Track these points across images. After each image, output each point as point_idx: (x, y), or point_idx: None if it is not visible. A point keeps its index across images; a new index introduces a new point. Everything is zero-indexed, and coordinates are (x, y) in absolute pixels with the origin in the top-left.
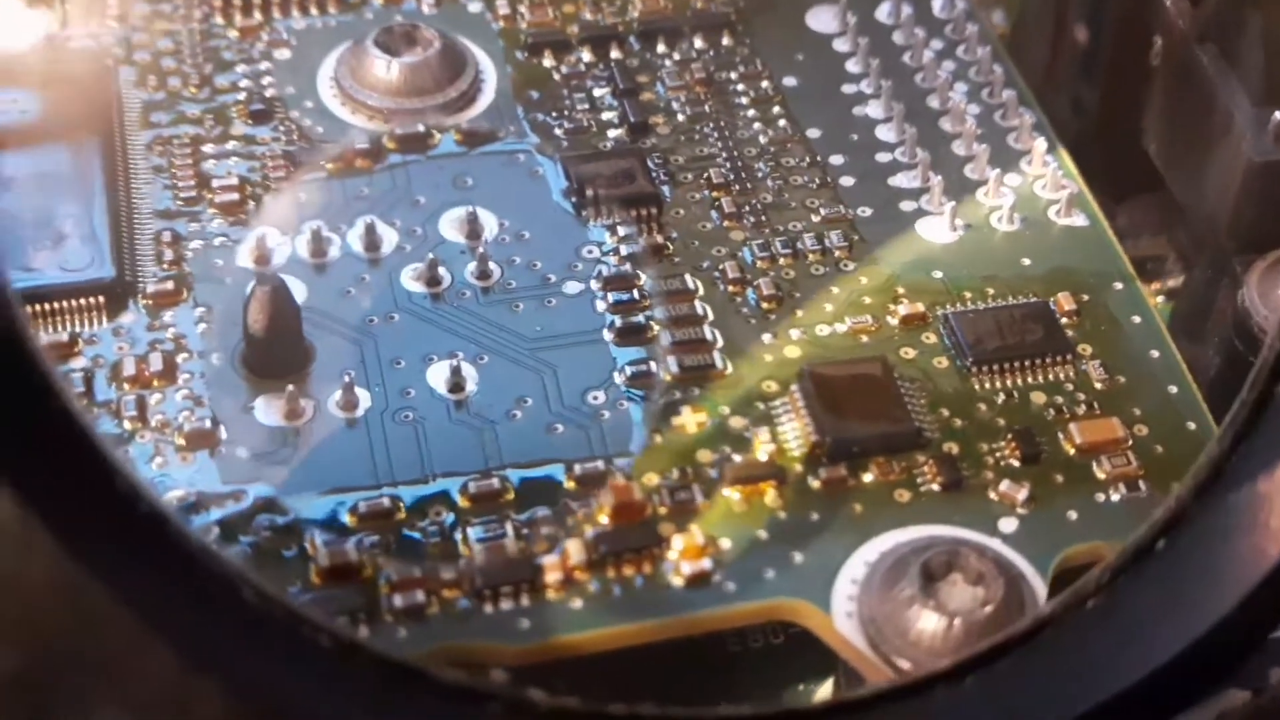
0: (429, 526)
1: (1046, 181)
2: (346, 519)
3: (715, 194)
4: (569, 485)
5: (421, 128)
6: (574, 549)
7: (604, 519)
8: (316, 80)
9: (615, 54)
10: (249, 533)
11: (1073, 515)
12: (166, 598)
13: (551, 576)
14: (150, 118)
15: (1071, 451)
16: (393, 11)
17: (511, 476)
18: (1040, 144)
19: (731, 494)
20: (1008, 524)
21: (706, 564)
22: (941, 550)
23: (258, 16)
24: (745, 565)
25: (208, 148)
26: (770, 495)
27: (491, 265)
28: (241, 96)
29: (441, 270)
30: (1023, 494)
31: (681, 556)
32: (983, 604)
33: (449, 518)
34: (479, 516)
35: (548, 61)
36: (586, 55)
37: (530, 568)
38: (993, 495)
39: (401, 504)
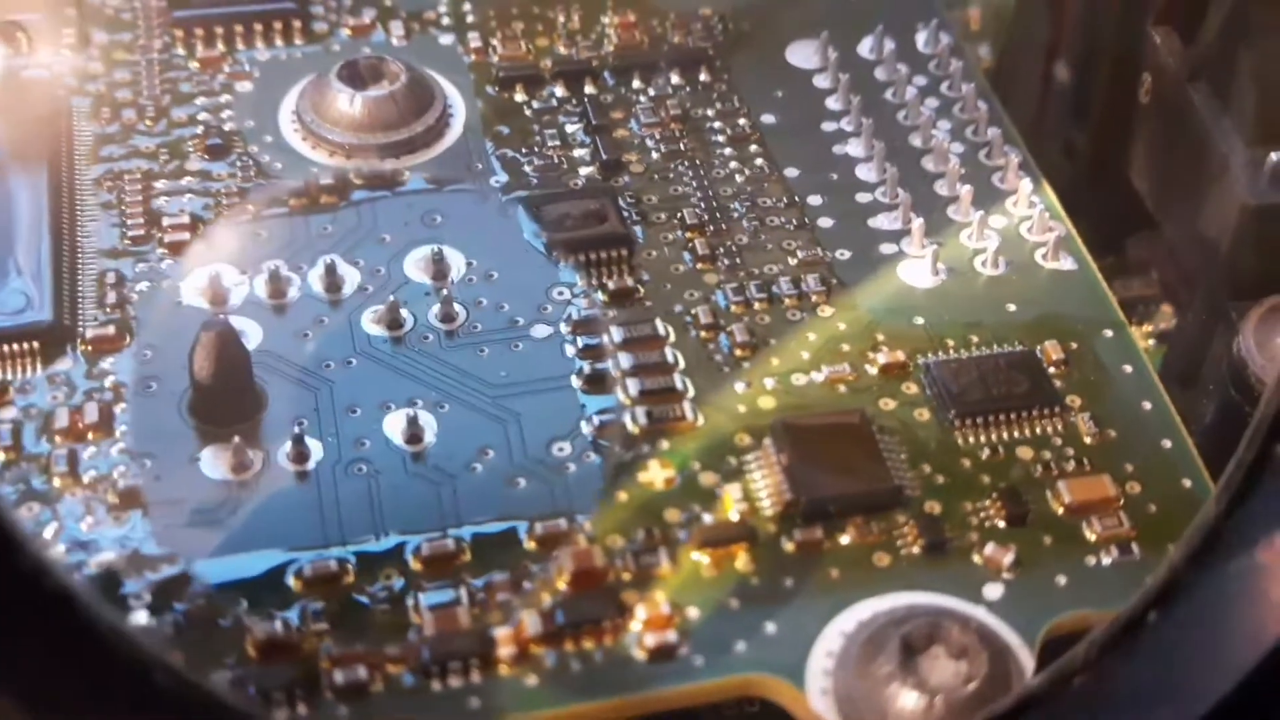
0: (379, 592)
1: (1033, 223)
2: (291, 583)
3: (689, 235)
4: (529, 545)
5: (386, 167)
6: (530, 620)
7: (563, 585)
8: (278, 114)
9: (589, 89)
10: (183, 599)
11: (1062, 580)
12: (58, 689)
13: (505, 650)
14: (101, 151)
15: (1060, 511)
16: (361, 43)
17: (468, 535)
18: (1026, 184)
19: (700, 557)
20: (993, 590)
21: (672, 636)
22: (923, 622)
23: (220, 47)
24: (714, 637)
25: (160, 183)
26: (741, 558)
27: (457, 307)
28: (199, 130)
29: (404, 312)
30: (1009, 558)
31: (645, 628)
32: (966, 680)
33: (399, 582)
34: (432, 580)
35: (519, 96)
36: (559, 90)
37: (482, 640)
38: (977, 559)
39: (350, 567)
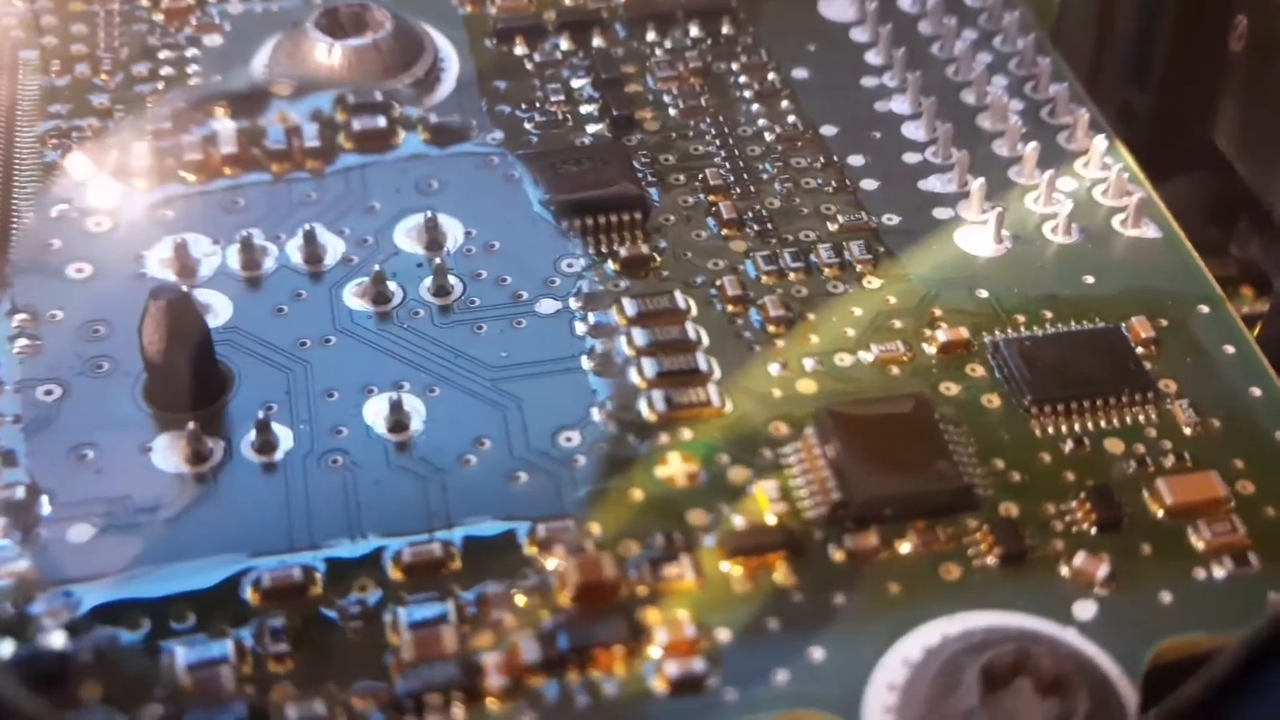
0: (350, 606)
1: (1109, 186)
2: (248, 595)
3: (712, 198)
4: (529, 550)
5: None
6: (526, 644)
7: (567, 601)
8: (250, 70)
9: (597, 41)
10: (120, 622)
11: (1166, 597)
12: None
13: (495, 681)
14: (49, 108)
15: (1160, 514)
16: None
17: (458, 538)
18: (1099, 143)
19: (730, 567)
20: (1085, 609)
21: (698, 664)
22: (1005, 649)
23: None
24: (748, 665)
25: (109, 147)
26: (781, 570)
27: (452, 279)
28: (160, 87)
29: (391, 285)
30: (1103, 570)
31: (666, 653)
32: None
33: (375, 595)
34: (415, 592)
35: (519, 49)
36: (564, 43)
37: (468, 668)
38: (1065, 571)
39: (317, 575)
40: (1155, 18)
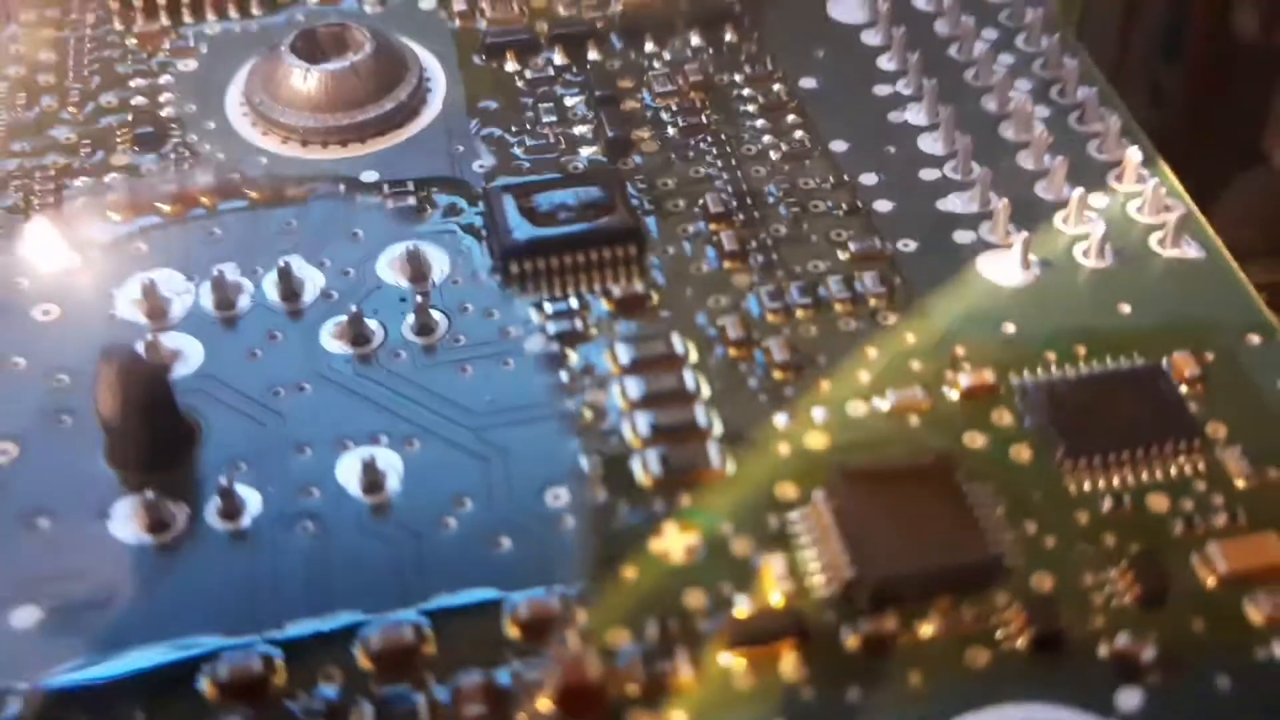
0: (314, 705)
1: (1145, 201)
2: (204, 688)
3: (714, 227)
4: (511, 632)
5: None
6: None
7: (547, 707)
8: (225, 96)
9: (593, 54)
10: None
11: (1224, 683)
12: None
13: None
14: (12, 145)
15: (1212, 583)
16: (328, 11)
17: (432, 620)
18: (1134, 153)
19: (733, 661)
20: (1129, 698)
21: None
22: None
23: (163, 20)
24: None
25: (79, 182)
26: (788, 661)
27: (436, 315)
28: (129, 117)
29: (371, 323)
30: (1149, 652)
31: None
32: None
33: (332, 692)
34: (385, 682)
35: (510, 65)
36: (558, 57)
37: None
38: (1105, 653)
39: (277, 665)
40: None
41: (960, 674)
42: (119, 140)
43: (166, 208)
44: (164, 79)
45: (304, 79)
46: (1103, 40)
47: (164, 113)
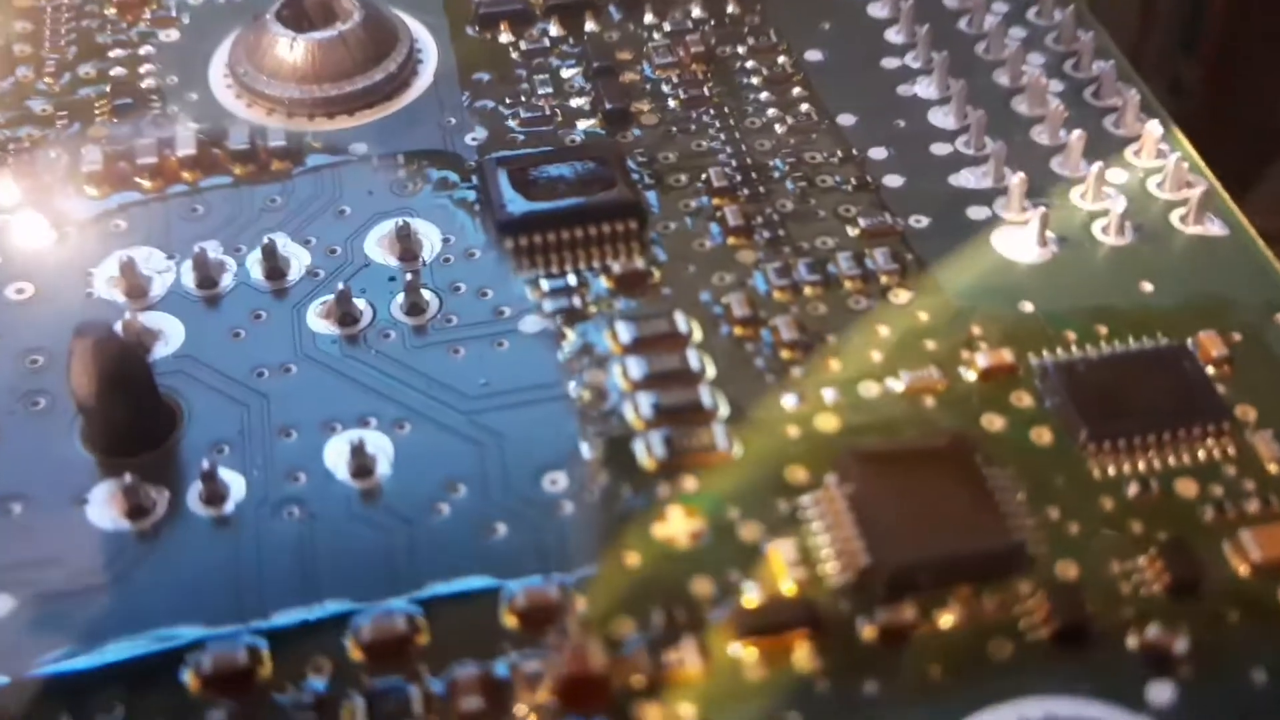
0: (302, 698)
1: (1166, 177)
2: (187, 681)
3: (717, 201)
4: (508, 622)
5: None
6: None
7: (548, 698)
8: (209, 67)
9: (590, 25)
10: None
11: (1260, 677)
12: None
13: None
14: None
15: (1245, 572)
16: None
17: (425, 609)
18: (1153, 128)
19: (743, 651)
20: (1160, 692)
21: None
22: None
23: None
24: None
25: (53, 153)
26: (801, 652)
27: (426, 295)
28: (108, 89)
29: (359, 303)
30: (1180, 644)
31: None
32: None
33: (321, 684)
34: (377, 674)
35: (504, 36)
36: (554, 28)
37: None
38: (1134, 645)
39: (264, 656)
40: None
41: (981, 666)
42: (97, 112)
43: (146, 183)
44: (145, 49)
45: (290, 49)
46: (1116, 31)
47: (144, 84)
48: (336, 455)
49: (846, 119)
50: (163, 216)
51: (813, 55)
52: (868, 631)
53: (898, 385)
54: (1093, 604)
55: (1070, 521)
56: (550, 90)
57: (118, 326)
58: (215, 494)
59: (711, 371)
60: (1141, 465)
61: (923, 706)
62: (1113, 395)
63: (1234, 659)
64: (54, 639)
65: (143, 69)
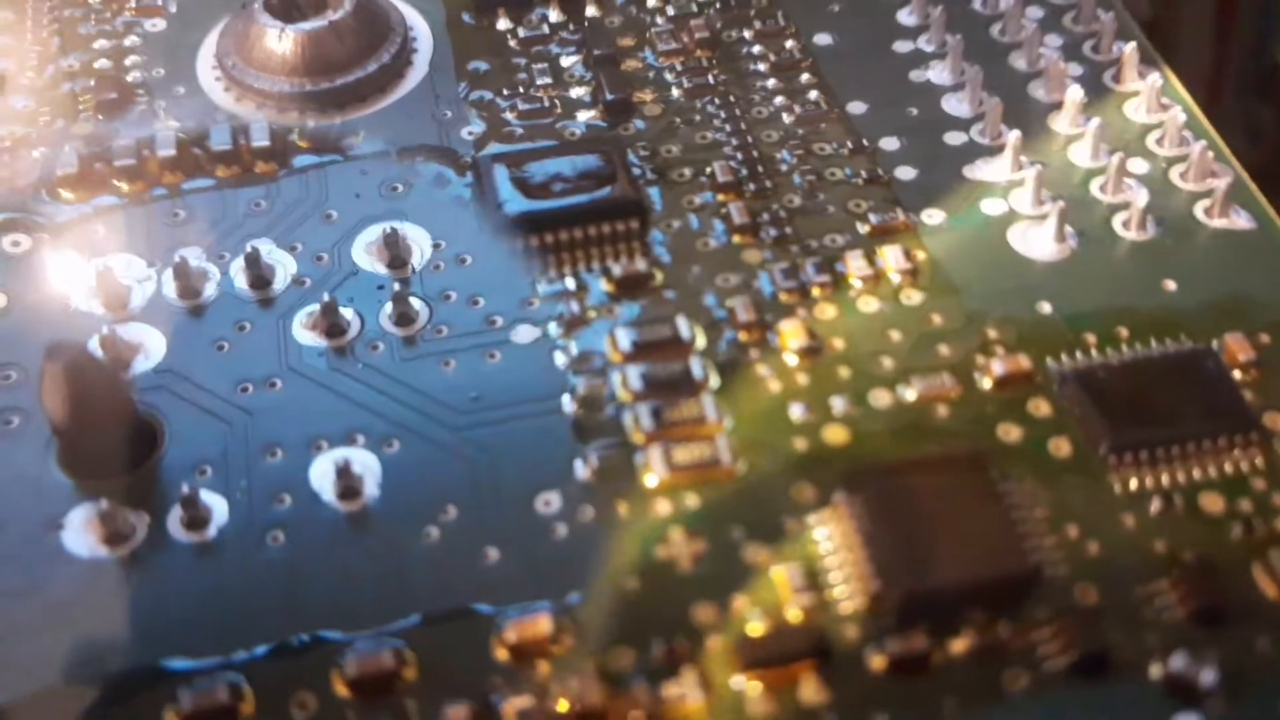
0: None
1: (1190, 167)
2: None
3: (722, 198)
4: (499, 656)
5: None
6: None
7: None
8: (196, 58)
9: (591, 10)
10: None
11: None
12: None
13: None
14: None
15: (1275, 595)
16: None
17: (415, 640)
18: (1175, 115)
19: (747, 684)
20: None
21: None
22: None
23: None
24: None
25: (36, 152)
26: (808, 684)
27: (416, 304)
28: (93, 83)
29: (346, 313)
30: (1209, 675)
31: None
32: None
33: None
34: (363, 712)
35: (502, 24)
36: (553, 14)
37: None
38: (1157, 675)
39: (245, 694)
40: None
41: (996, 698)
42: (81, 107)
43: (124, 185)
44: (130, 40)
45: (279, 39)
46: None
47: (130, 77)
48: (322, 475)
49: (857, 107)
50: (143, 221)
51: (822, 39)
52: (877, 661)
53: (909, 393)
54: (1113, 631)
55: (1090, 540)
56: (549, 80)
57: (93, 343)
58: (197, 518)
59: (715, 381)
60: (1165, 479)
61: None
62: (1135, 403)
63: (1266, 691)
64: (27, 671)
65: (128, 61)
